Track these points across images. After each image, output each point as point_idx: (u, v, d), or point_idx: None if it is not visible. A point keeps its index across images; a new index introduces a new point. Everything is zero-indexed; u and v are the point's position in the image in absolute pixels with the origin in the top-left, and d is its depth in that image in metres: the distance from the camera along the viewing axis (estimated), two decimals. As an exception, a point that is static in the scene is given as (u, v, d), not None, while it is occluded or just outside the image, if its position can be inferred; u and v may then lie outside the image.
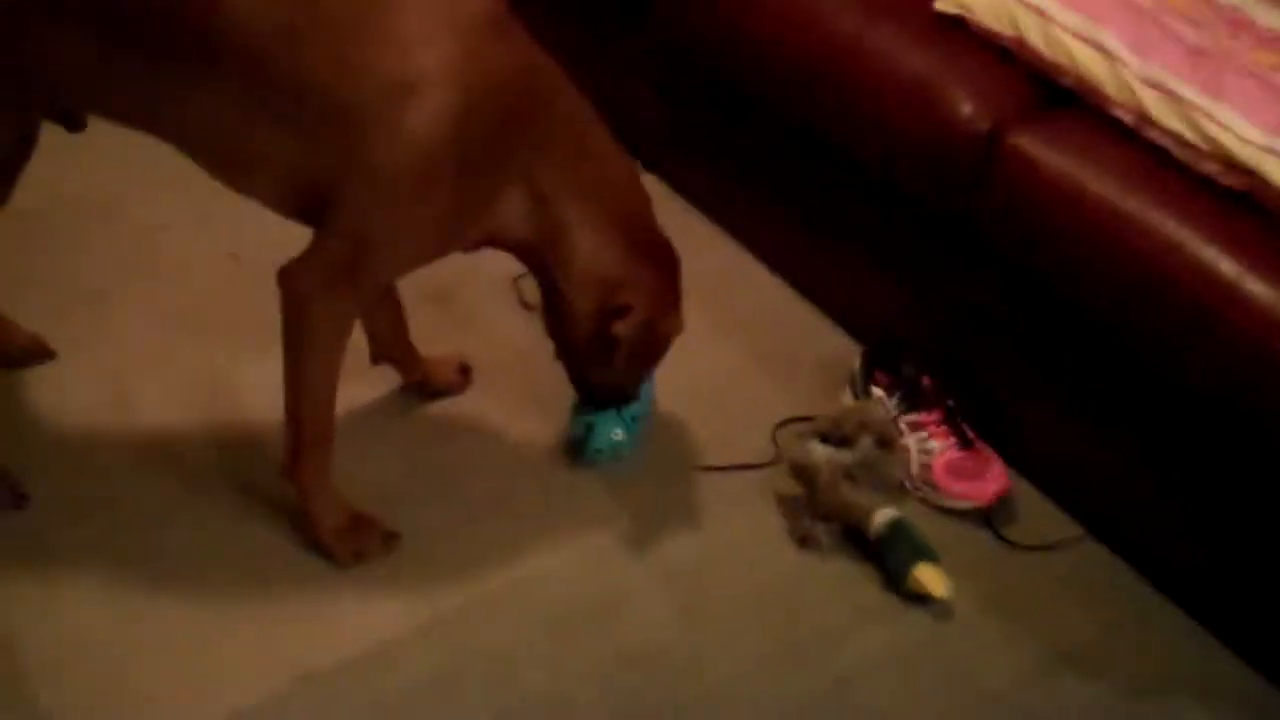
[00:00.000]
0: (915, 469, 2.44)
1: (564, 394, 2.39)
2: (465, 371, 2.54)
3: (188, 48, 1.87)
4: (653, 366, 2.29)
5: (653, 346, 2.24)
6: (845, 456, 2.34)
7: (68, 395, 2.40)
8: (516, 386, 2.54)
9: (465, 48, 1.91)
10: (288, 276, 2.00)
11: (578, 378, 2.29)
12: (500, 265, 2.19)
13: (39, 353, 2.44)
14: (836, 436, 2.35)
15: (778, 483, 2.43)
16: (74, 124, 2.12)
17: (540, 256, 2.11)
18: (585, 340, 2.18)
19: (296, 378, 2.06)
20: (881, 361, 2.54)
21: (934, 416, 2.46)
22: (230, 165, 2.01)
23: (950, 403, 2.49)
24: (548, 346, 2.30)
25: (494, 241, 2.09)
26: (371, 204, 1.93)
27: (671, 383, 2.51)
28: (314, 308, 2.00)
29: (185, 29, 1.86)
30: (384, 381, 2.51)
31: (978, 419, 2.51)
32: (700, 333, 2.64)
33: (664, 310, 2.19)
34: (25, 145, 2.12)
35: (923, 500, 2.43)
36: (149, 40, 1.87)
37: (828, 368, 2.66)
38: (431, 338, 2.52)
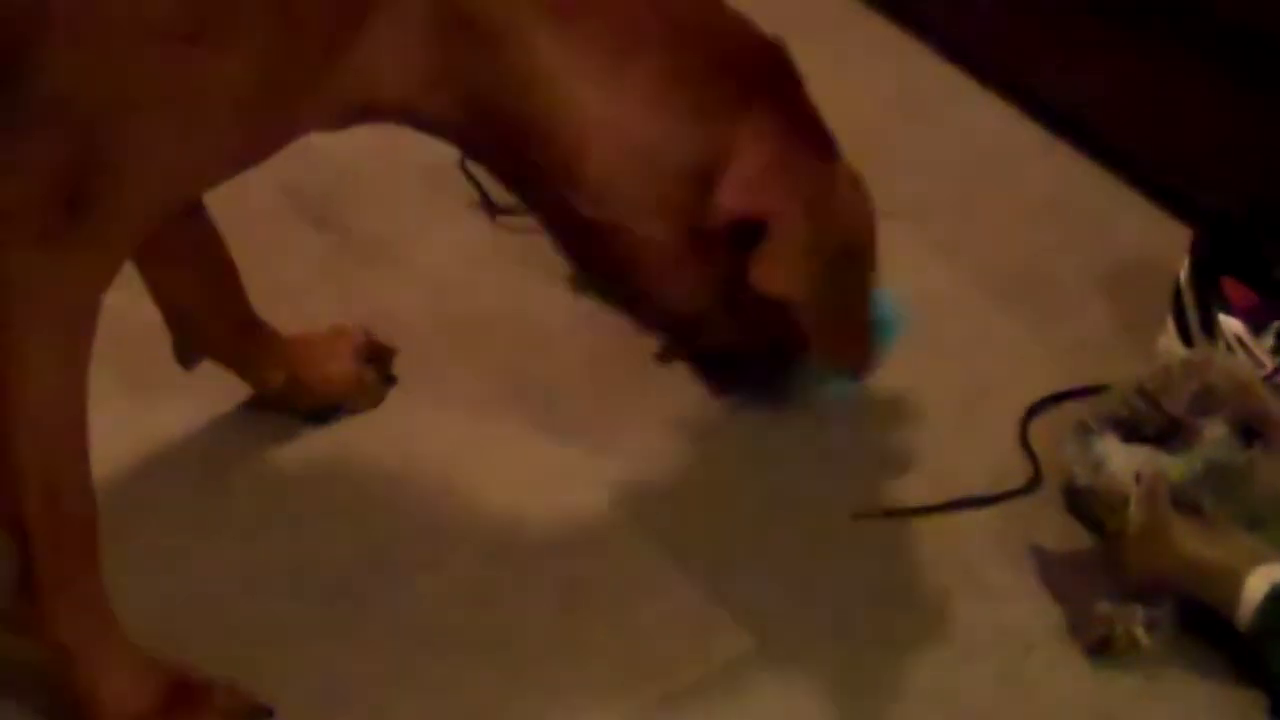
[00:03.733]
0: (1324, 476, 1.96)
1: (596, 375, 1.97)
2: (379, 357, 2.01)
3: None
4: (867, 280, 1.83)
5: (850, 258, 1.76)
6: (1175, 464, 1.85)
7: None
8: (493, 373, 2.07)
9: None
10: None
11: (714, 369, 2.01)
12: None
13: None
14: (1154, 425, 1.89)
15: (1042, 526, 1.94)
16: None
17: (496, 136, 1.60)
18: (684, 312, 1.74)
19: (7, 455, 1.60)
20: (1233, 261, 2.06)
21: (1353, 367, 2.07)
22: None
23: (1388, 334, 2.12)
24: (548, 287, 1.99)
25: (375, 112, 1.60)
26: (97, 65, 1.48)
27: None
28: (11, 283, 1.54)
29: None
30: (211, 398, 2.03)
31: None
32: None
33: (826, 182, 1.67)
34: None
35: (1345, 539, 1.99)
36: None
37: (1127, 283, 2.24)
38: (315, 300, 2.11)
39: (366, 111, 1.61)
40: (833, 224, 1.73)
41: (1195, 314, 2.11)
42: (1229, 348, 2.02)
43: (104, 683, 1.70)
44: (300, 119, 1.60)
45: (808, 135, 1.70)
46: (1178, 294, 2.11)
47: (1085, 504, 1.96)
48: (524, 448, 2.04)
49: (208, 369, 2.00)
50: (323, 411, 1.99)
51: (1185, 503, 1.88)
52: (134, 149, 1.54)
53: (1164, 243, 2.23)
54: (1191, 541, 1.86)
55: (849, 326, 1.89)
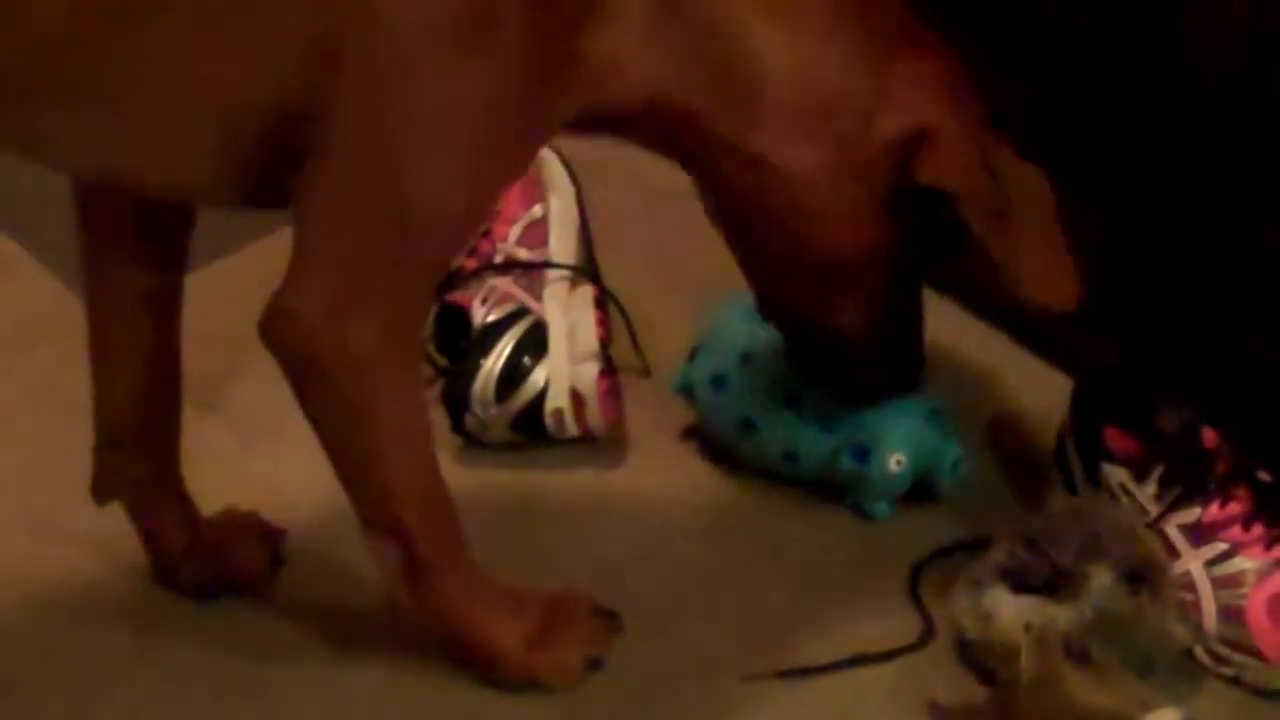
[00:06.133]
0: (1211, 619, 1.91)
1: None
2: (268, 539, 1.95)
3: None
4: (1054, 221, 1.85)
5: (1031, 194, 1.79)
6: (1064, 613, 1.84)
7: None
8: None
9: None
10: (292, 324, 1.60)
11: (835, 353, 1.88)
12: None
13: None
14: (1042, 574, 1.87)
15: (936, 680, 1.89)
16: None
17: (687, 111, 1.68)
18: (838, 258, 1.76)
19: (378, 479, 1.72)
20: (1115, 411, 2.03)
21: (1234, 509, 1.94)
22: (152, 131, 1.59)
23: (1263, 476, 1.98)
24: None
25: (595, 116, 1.67)
26: (393, 100, 1.56)
27: (711, 490, 2.07)
28: (358, 349, 1.63)
29: None
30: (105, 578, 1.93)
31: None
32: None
33: (982, 116, 1.76)
34: None
35: (1234, 680, 1.88)
36: None
37: (1011, 434, 2.20)
38: (203, 483, 1.97)
39: (579, 120, 1.70)
40: (987, 148, 1.77)
41: (1079, 463, 2.10)
42: (1113, 496, 2.01)
43: (493, 626, 1.84)
44: (552, 117, 1.68)
45: (962, 78, 1.79)
46: (1061, 444, 2.12)
47: (977, 656, 1.94)
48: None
49: (106, 533, 1.96)
50: (210, 592, 1.96)
51: (1075, 651, 1.87)
52: (439, 177, 1.61)
53: (1046, 394, 2.20)
54: (1083, 690, 1.84)
55: (1045, 245, 1.86)
